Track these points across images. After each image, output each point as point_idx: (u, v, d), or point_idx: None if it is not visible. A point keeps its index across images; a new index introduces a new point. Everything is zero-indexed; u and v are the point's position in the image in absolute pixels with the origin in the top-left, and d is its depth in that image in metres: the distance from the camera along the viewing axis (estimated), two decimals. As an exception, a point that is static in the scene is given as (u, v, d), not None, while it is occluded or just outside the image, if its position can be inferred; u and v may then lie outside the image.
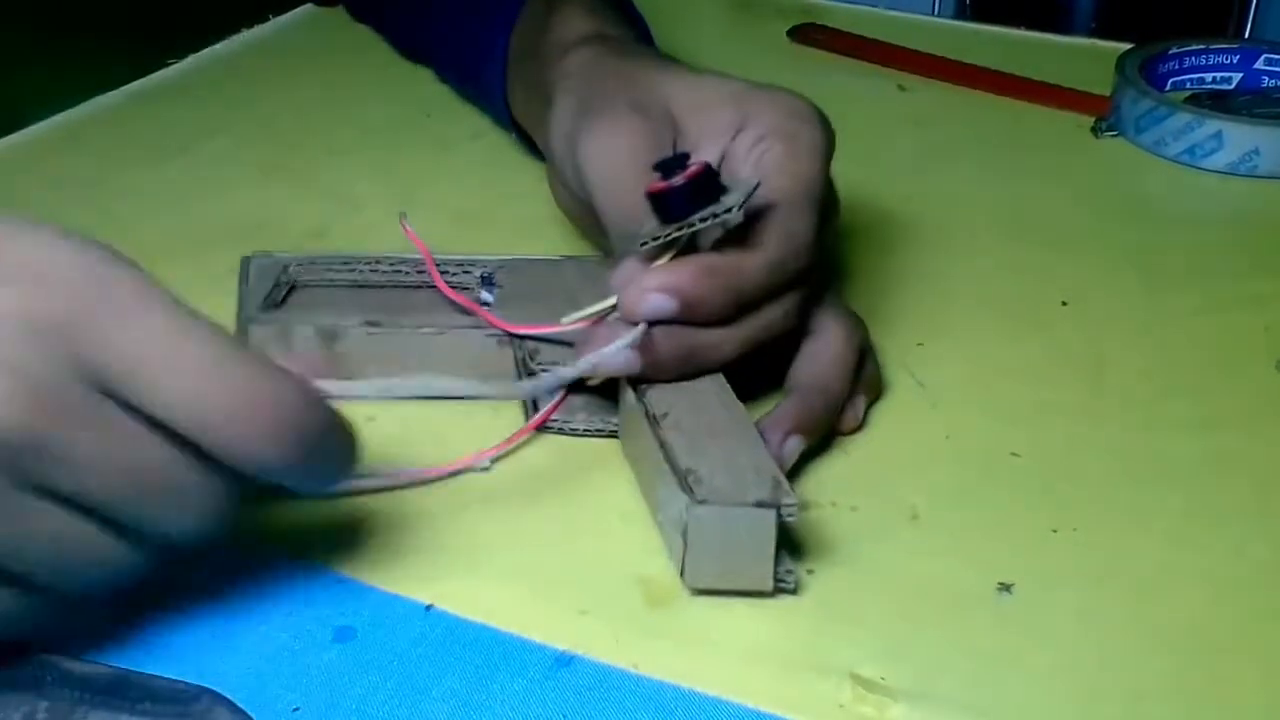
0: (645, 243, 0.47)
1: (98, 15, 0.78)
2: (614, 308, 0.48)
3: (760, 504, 0.42)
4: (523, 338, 0.51)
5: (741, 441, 0.45)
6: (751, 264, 0.47)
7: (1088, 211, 0.71)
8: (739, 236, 0.48)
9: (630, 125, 0.51)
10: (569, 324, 0.49)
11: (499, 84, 0.67)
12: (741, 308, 0.48)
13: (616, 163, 0.50)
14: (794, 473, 0.49)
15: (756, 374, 0.50)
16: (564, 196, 0.57)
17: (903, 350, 0.57)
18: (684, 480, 0.43)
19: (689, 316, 0.47)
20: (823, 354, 0.51)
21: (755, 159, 0.50)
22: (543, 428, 0.51)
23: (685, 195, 0.46)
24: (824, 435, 0.50)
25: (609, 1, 0.64)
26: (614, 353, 0.47)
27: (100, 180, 0.69)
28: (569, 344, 0.50)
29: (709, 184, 0.46)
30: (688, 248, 0.48)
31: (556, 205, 0.59)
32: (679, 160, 0.47)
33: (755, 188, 0.47)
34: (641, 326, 0.47)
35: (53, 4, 0.76)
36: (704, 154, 0.51)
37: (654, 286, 0.47)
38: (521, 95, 0.65)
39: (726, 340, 0.48)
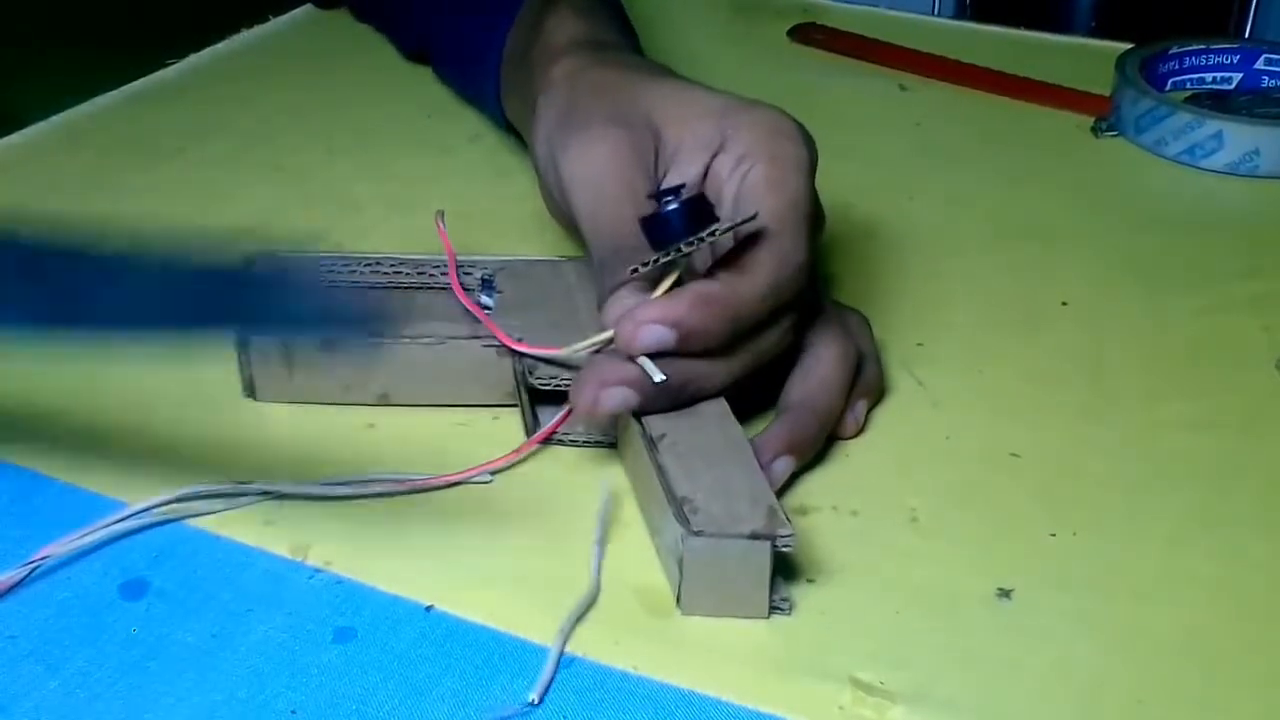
0: (637, 269, 0.47)
1: (97, 15, 0.78)
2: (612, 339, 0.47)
3: (755, 535, 0.42)
4: (524, 356, 0.51)
5: (738, 466, 0.45)
6: (748, 291, 0.47)
7: (1088, 211, 0.71)
8: (732, 263, 0.47)
9: (609, 139, 0.50)
10: (570, 352, 0.49)
11: (493, 86, 0.67)
12: (739, 335, 0.47)
13: (598, 179, 0.50)
14: (794, 475, 0.49)
15: (750, 391, 0.50)
16: (552, 205, 0.57)
17: (903, 350, 0.57)
18: (680, 509, 0.43)
19: (687, 347, 0.46)
20: (815, 373, 0.50)
21: (739, 179, 0.50)
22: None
23: (677, 220, 0.46)
24: (819, 450, 0.50)
25: (605, 4, 0.63)
26: (610, 394, 0.47)
27: (100, 180, 0.69)
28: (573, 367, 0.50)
29: (702, 211, 0.46)
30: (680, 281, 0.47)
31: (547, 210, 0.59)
32: (675, 191, 0.46)
33: (751, 219, 0.47)
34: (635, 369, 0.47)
35: (52, 5, 0.76)
36: (684, 168, 0.51)
37: (652, 318, 0.46)
38: (515, 100, 0.64)
39: (722, 368, 0.48)
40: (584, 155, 0.51)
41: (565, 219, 0.55)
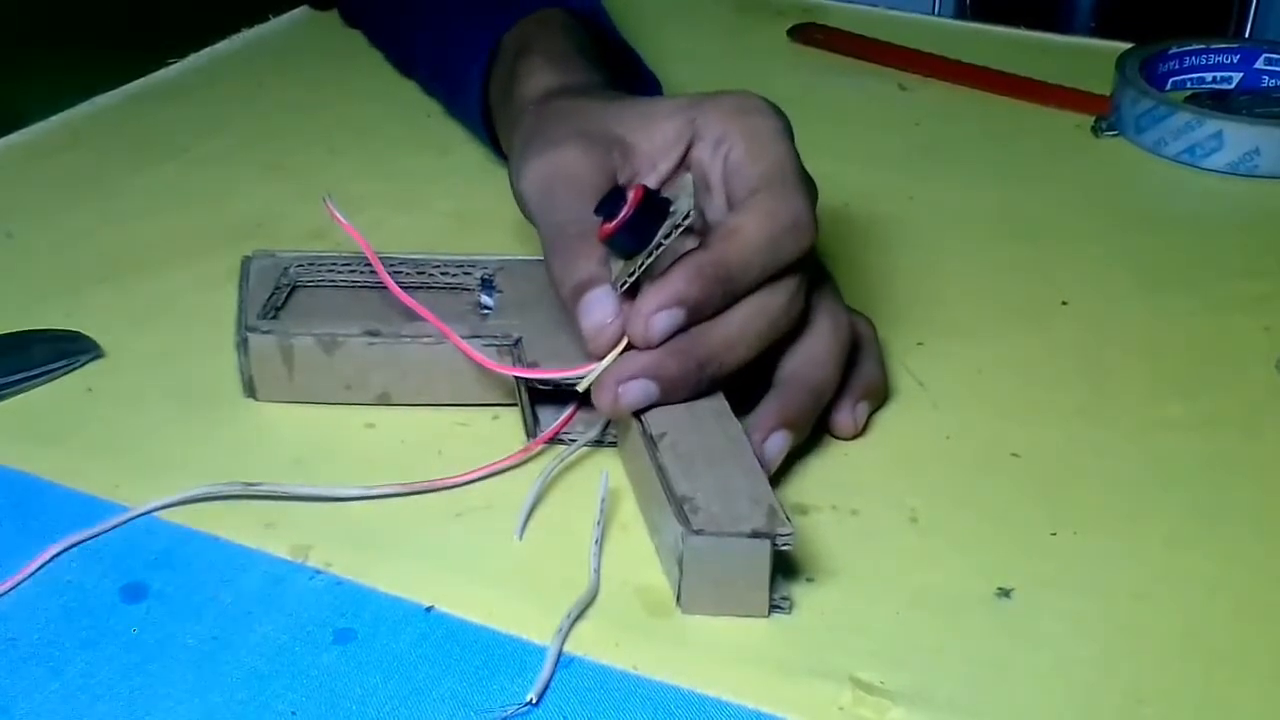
0: (624, 283, 0.47)
1: (98, 16, 0.78)
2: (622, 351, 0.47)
3: (756, 534, 0.42)
4: (521, 340, 0.51)
5: (738, 466, 0.45)
6: (737, 250, 0.47)
7: (1087, 211, 0.71)
8: (721, 228, 0.48)
9: (563, 148, 0.51)
10: (588, 382, 0.48)
11: (481, 125, 0.67)
12: (736, 296, 0.47)
13: (549, 181, 0.51)
14: (794, 475, 0.49)
15: (760, 376, 0.50)
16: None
17: (903, 350, 0.57)
18: (680, 509, 0.43)
19: (695, 319, 0.47)
20: (806, 346, 0.50)
21: (721, 161, 0.50)
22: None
23: (637, 225, 0.46)
24: (811, 429, 0.50)
25: (579, 41, 0.64)
26: (629, 389, 0.47)
27: (100, 180, 0.69)
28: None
29: (654, 204, 0.47)
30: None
31: None
32: (617, 195, 0.47)
33: (692, 183, 0.47)
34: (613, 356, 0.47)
35: (53, 4, 0.76)
36: (660, 167, 0.51)
37: (656, 307, 0.46)
38: (505, 139, 0.65)
39: (737, 340, 0.48)
40: (539, 167, 0.51)
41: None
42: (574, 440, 0.50)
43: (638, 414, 0.47)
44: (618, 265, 0.48)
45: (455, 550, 0.46)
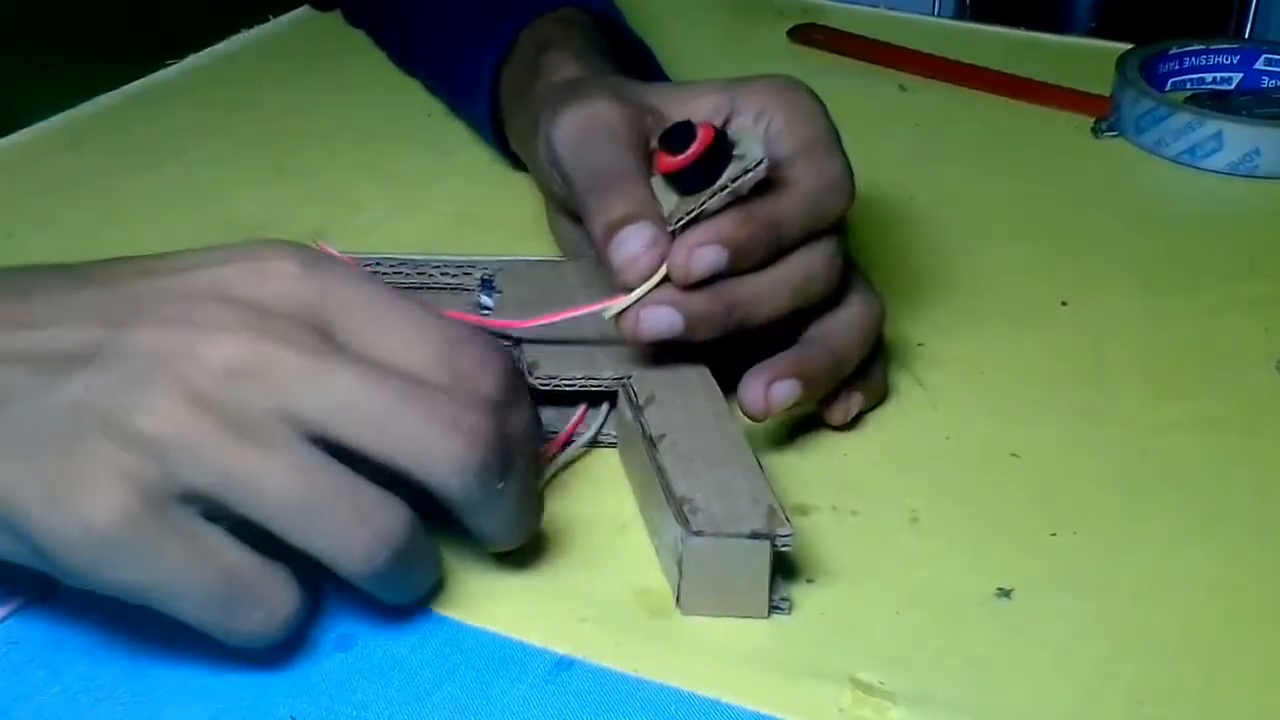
0: (680, 219, 0.46)
1: (97, 16, 0.78)
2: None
3: (755, 535, 0.42)
4: (521, 341, 0.51)
5: (738, 467, 0.45)
6: (786, 204, 0.47)
7: (1088, 211, 0.71)
8: (767, 182, 0.47)
9: (600, 102, 0.51)
10: (613, 314, 0.47)
11: (487, 119, 0.67)
12: (781, 250, 0.47)
13: (585, 129, 0.50)
14: (794, 475, 0.49)
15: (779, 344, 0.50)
16: (561, 227, 0.58)
17: (903, 350, 0.57)
18: (679, 509, 0.43)
19: (736, 266, 0.46)
20: (841, 316, 0.50)
21: (762, 132, 0.50)
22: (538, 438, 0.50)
23: (702, 164, 0.45)
24: (822, 396, 0.50)
25: (600, 40, 0.64)
26: (652, 314, 0.46)
27: (100, 180, 0.69)
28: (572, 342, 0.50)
29: (722, 146, 0.46)
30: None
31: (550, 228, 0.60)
32: (684, 130, 0.46)
33: (762, 133, 0.47)
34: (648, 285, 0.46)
35: (53, 4, 0.76)
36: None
37: (704, 241, 0.46)
38: (517, 135, 0.65)
39: (769, 293, 0.47)
40: (573, 118, 0.51)
41: (567, 229, 0.56)
42: (573, 440, 0.50)
43: (635, 410, 0.47)
44: (670, 201, 0.47)
45: (455, 554, 0.46)
